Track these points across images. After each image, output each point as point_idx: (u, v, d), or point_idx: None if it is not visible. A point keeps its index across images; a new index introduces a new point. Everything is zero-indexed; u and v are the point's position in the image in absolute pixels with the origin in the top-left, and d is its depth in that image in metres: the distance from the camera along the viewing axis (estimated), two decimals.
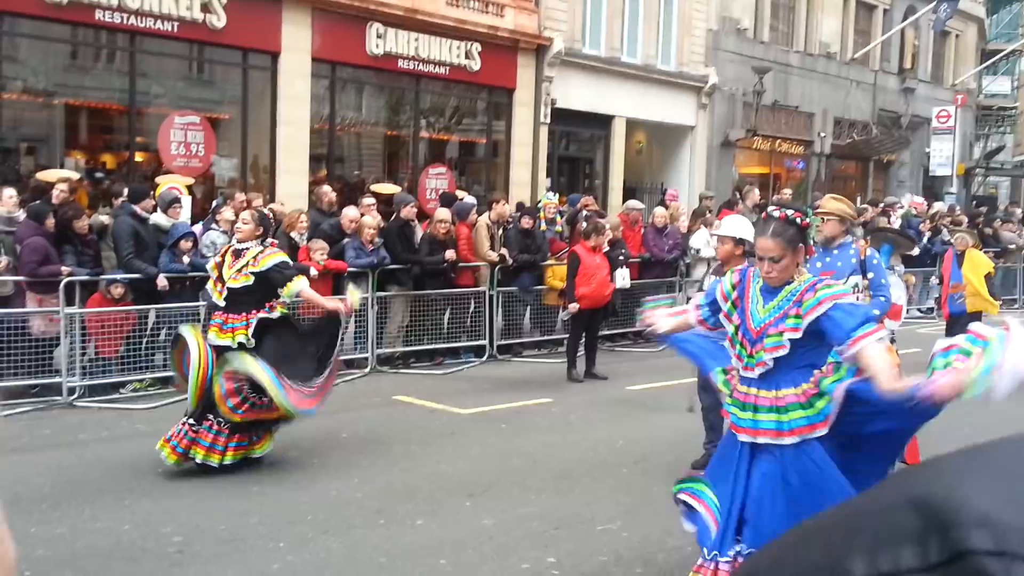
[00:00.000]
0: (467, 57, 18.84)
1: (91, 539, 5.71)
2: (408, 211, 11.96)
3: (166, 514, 6.18)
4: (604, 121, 22.09)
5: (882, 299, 6.78)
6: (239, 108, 16.47)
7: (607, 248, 11.42)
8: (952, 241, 12.99)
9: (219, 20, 15.15)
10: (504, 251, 12.46)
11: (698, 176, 24.10)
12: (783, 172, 28.08)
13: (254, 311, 7.02)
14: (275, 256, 7.12)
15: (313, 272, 10.71)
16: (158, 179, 13.39)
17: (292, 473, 7.18)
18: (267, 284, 7.05)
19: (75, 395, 9.29)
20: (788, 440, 4.18)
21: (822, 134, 27.75)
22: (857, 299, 6.46)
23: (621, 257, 12.69)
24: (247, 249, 7.11)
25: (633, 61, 22.37)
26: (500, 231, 12.72)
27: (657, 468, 7.37)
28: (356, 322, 11.40)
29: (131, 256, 9.79)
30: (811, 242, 5.33)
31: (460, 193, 14.87)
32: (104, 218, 10.64)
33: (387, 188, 16.07)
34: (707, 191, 18.76)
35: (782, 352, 4.22)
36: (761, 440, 4.28)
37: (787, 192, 20.30)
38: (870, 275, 6.81)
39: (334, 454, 7.70)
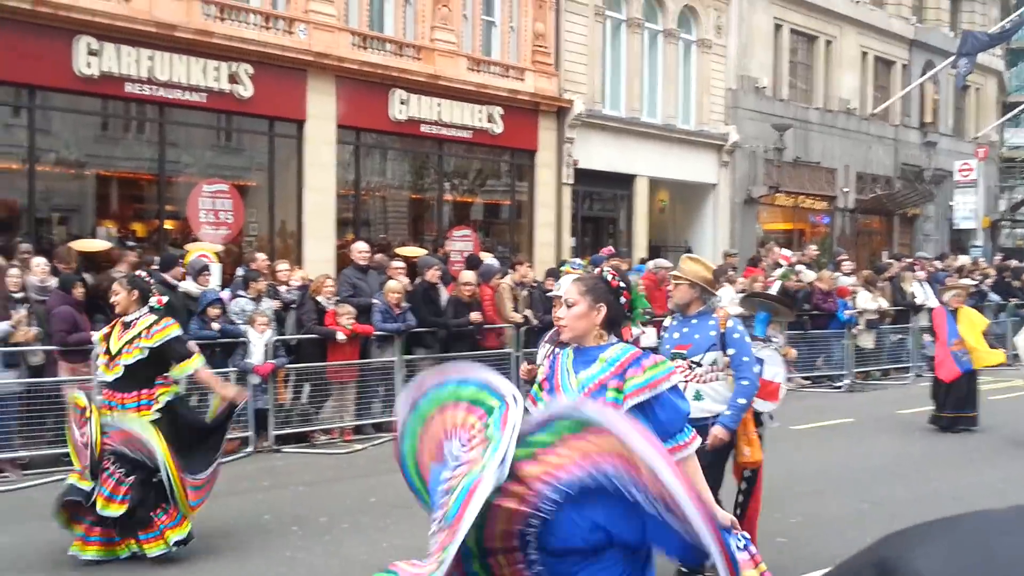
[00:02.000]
0: (489, 121, 19.09)
1: None
2: (432, 274, 12.06)
3: None
4: (626, 180, 22.24)
5: (744, 383, 5.78)
6: (266, 175, 16.73)
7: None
8: (945, 299, 12.49)
9: (246, 90, 15.45)
10: (528, 312, 12.51)
11: (722, 233, 24.16)
12: (807, 228, 28.11)
13: (145, 389, 6.55)
14: (171, 330, 6.67)
15: (341, 336, 10.80)
16: (187, 247, 13.59)
17: (322, 537, 7.19)
18: (161, 359, 6.62)
19: None
20: None
21: (845, 189, 27.80)
22: (716, 379, 5.89)
23: (646, 316, 12.72)
24: (137, 320, 6.67)
25: (653, 121, 22.59)
26: (524, 292, 12.79)
27: None
28: (384, 387, 11.46)
29: None
30: (635, 323, 4.32)
31: (484, 255, 14.99)
32: None
33: (413, 251, 16.21)
34: (730, 249, 18.81)
35: None
36: None
37: (813, 248, 20.28)
38: (731, 351, 5.85)
39: (363, 518, 7.70)
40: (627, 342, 3.88)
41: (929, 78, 30.00)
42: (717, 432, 5.66)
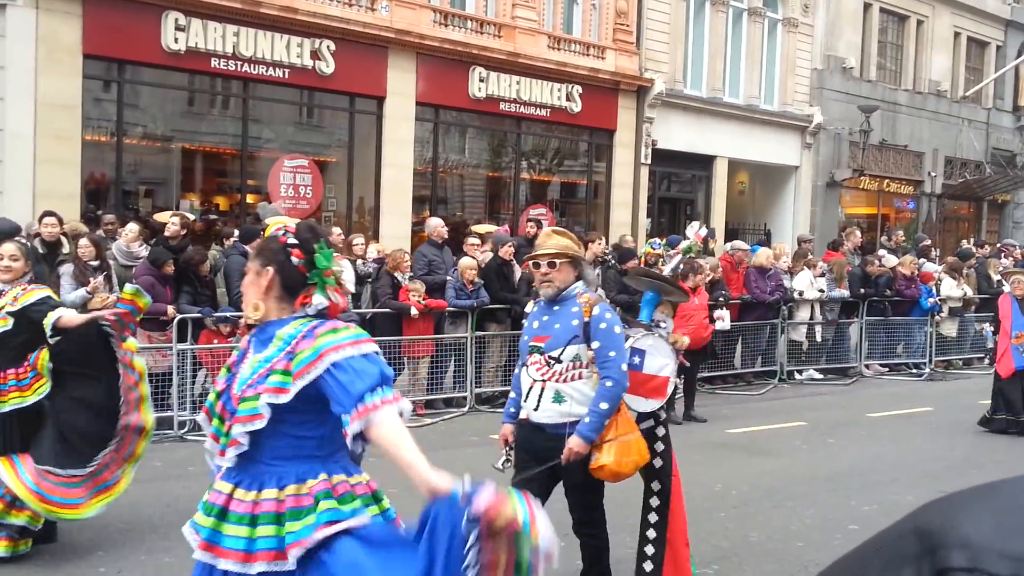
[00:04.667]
0: (568, 99, 19.02)
1: None
2: (507, 251, 12.09)
3: None
4: (705, 161, 21.99)
5: (608, 383, 4.69)
6: (346, 151, 16.93)
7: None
8: (1009, 285, 11.53)
9: (328, 67, 15.62)
10: (601, 291, 12.47)
11: (802, 217, 23.77)
12: (892, 212, 27.49)
13: (12, 368, 5.90)
14: (37, 292, 5.92)
15: (414, 312, 10.90)
16: (267, 220, 13.81)
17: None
18: (31, 327, 5.82)
19: (185, 429, 9.60)
20: (254, 570, 2.85)
21: (932, 174, 27.09)
22: (579, 376, 4.79)
23: (721, 298, 12.63)
24: (8, 290, 5.93)
25: (735, 101, 22.26)
26: (596, 271, 12.74)
27: (756, 513, 7.26)
28: (455, 361, 11.55)
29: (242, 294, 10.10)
30: (320, 290, 3.08)
31: None
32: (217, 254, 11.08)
33: (488, 229, 16.27)
34: (806, 234, 18.57)
35: (257, 424, 2.87)
36: (223, 565, 2.90)
37: (899, 233, 19.84)
38: (595, 345, 4.73)
39: None
40: (310, 314, 3.06)
41: None
42: (573, 444, 4.65)
